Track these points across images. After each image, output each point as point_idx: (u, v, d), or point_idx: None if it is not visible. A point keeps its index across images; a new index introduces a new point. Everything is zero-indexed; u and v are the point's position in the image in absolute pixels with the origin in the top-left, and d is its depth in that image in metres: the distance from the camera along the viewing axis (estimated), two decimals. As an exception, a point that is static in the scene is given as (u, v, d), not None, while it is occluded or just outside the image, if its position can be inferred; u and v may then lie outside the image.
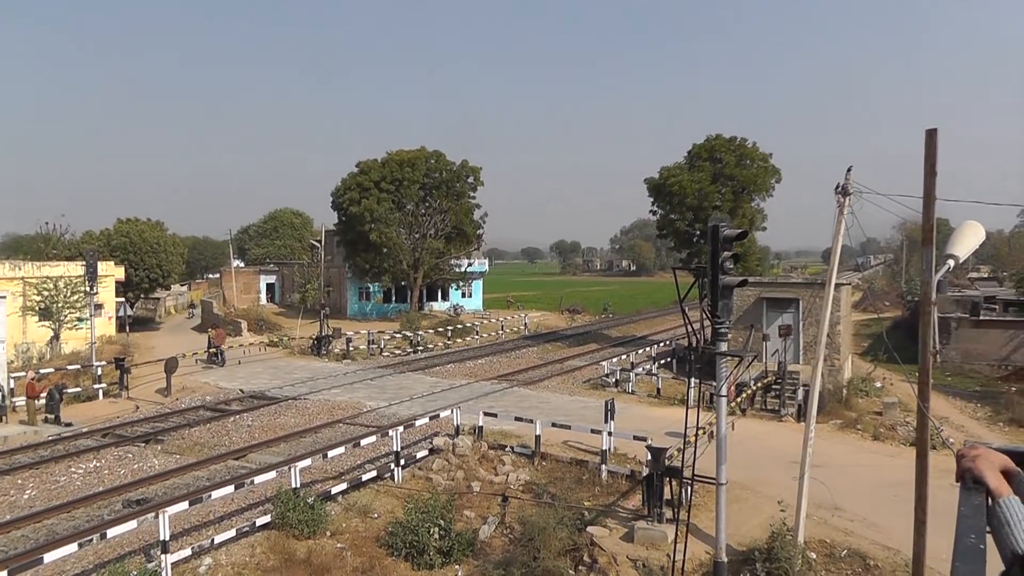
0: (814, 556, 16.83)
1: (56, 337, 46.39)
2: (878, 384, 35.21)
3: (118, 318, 56.27)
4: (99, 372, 36.07)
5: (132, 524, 16.26)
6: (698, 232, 49.10)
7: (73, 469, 23.49)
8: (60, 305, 46.16)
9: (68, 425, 29.27)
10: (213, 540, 17.09)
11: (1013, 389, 33.70)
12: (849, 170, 15.89)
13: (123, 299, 59.43)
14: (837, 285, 19.14)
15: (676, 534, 15.23)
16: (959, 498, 2.51)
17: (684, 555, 14.27)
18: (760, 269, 55.96)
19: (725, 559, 14.90)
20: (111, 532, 15.92)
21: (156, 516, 15.88)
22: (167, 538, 15.66)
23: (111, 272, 54.35)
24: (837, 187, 15.96)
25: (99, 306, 46.70)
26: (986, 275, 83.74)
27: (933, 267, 13.67)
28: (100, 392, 34.94)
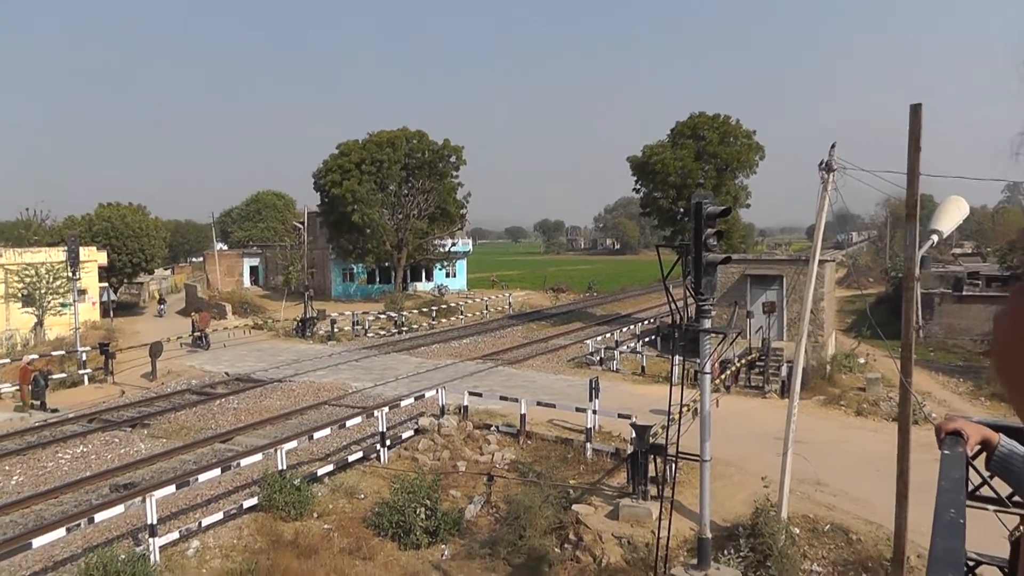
0: (797, 531, 17.01)
1: (40, 323, 46.23)
2: (861, 360, 35.41)
3: (102, 303, 56.03)
4: (84, 357, 35.92)
5: (119, 508, 16.28)
6: (681, 210, 49.02)
7: (60, 455, 23.45)
8: (43, 291, 45.98)
9: (54, 411, 29.17)
10: (200, 523, 17.15)
11: None
12: (833, 147, 15.94)
13: (106, 284, 59.15)
14: (821, 262, 19.25)
15: (660, 511, 15.37)
16: (939, 471, 2.55)
17: (669, 532, 14.41)
18: (744, 246, 55.98)
19: (709, 535, 15.04)
20: (99, 517, 15.97)
21: (143, 500, 15.91)
22: (155, 522, 15.71)
23: (93, 257, 54.00)
24: (821, 163, 16.01)
25: (82, 292, 46.44)
26: (970, 251, 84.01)
27: (917, 243, 13.74)
28: (85, 378, 34.80)
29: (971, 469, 2.94)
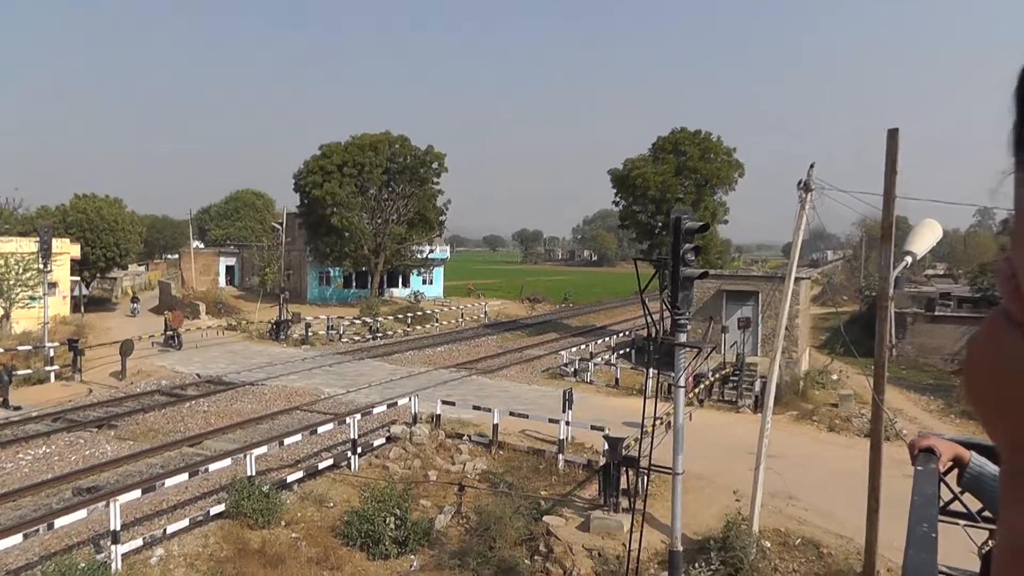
0: (768, 545, 17.01)
1: (6, 316, 45.46)
2: (834, 377, 35.65)
3: (73, 297, 55.37)
4: (51, 353, 35.38)
5: (82, 513, 15.93)
6: (660, 224, 49.23)
7: (21, 455, 22.95)
8: (11, 283, 45.23)
9: (17, 408, 28.65)
10: (165, 530, 16.85)
11: None
12: (811, 167, 16.03)
13: (78, 278, 58.47)
14: (796, 279, 19.27)
15: (632, 523, 15.30)
16: (913, 486, 2.55)
17: (640, 544, 14.35)
18: (721, 262, 56.16)
19: (680, 548, 15.00)
20: (59, 522, 15.52)
21: (107, 505, 15.57)
22: (118, 528, 15.37)
23: (66, 249, 53.18)
24: (799, 183, 16.09)
25: (53, 284, 45.82)
26: (942, 272, 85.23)
27: (892, 263, 13.82)
28: (52, 374, 34.25)
29: (943, 485, 2.99)
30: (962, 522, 3.17)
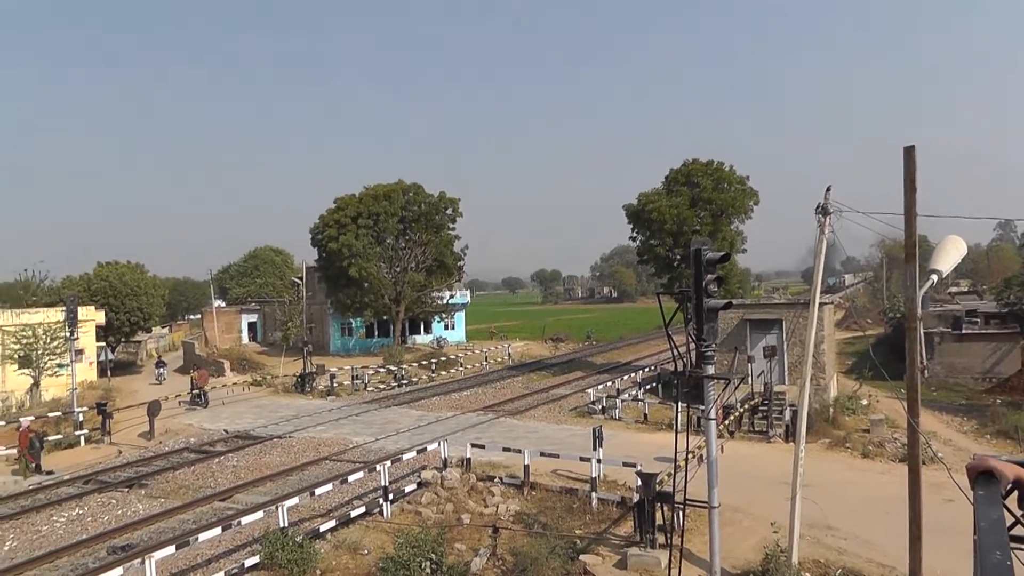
0: (809, 576, 16.75)
1: (36, 384, 45.92)
2: (864, 402, 35.31)
3: (99, 363, 55.77)
4: (80, 418, 35.59)
5: (118, 571, 15.93)
6: (678, 257, 49.29)
7: (55, 518, 23.07)
8: (40, 352, 45.75)
9: (49, 473, 28.81)
10: (201, 584, 16.82)
11: (998, 401, 33.87)
12: (828, 189, 15.97)
13: (104, 343, 58.92)
14: (820, 304, 19.20)
15: (670, 559, 15.14)
16: (975, 513, 2.46)
17: (679, 580, 14.16)
18: (741, 291, 56.03)
19: (721, 583, 14.79)
20: (97, 580, 15.61)
21: (142, 562, 15.58)
22: (154, 584, 15.37)
23: (91, 317, 53.89)
24: (817, 207, 16.03)
25: (80, 351, 46.23)
26: (966, 289, 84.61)
27: (917, 283, 13.74)
28: (82, 438, 34.43)
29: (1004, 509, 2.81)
30: None
